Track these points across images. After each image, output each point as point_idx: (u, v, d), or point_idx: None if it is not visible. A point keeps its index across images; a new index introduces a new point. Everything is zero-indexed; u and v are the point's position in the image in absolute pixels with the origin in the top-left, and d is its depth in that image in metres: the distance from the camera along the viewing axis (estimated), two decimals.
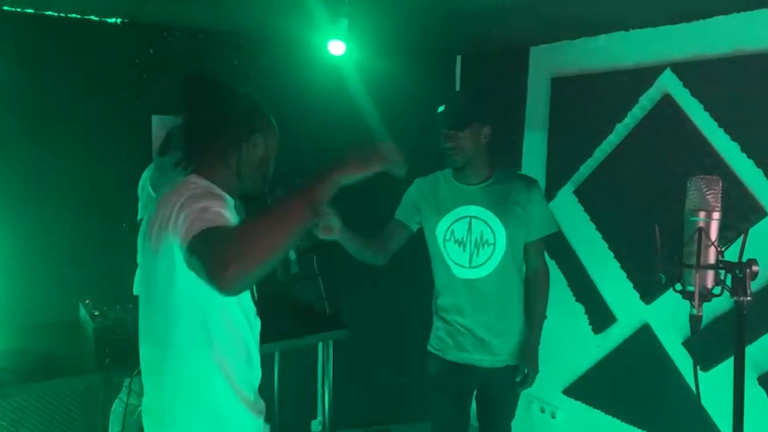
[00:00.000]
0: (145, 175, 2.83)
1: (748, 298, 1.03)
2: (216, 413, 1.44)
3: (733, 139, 2.50)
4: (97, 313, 2.38)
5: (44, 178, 2.90)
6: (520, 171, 3.51)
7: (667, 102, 2.74)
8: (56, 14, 2.84)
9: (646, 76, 2.82)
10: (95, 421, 2.52)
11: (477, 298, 2.31)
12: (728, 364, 2.43)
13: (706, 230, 1.07)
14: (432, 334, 2.48)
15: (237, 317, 1.49)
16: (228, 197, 1.47)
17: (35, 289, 2.90)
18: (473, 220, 2.30)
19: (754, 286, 2.33)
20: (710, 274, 1.06)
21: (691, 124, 2.65)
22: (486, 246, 2.28)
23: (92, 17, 2.93)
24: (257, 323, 1.61)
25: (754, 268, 1.03)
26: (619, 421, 3.03)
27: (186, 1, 2.58)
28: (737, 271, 1.04)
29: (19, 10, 2.75)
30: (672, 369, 2.77)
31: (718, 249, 1.06)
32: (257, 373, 1.57)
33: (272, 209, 1.21)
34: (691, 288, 1.08)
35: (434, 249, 2.40)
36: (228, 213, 1.32)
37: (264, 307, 2.81)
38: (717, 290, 1.08)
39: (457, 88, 4.07)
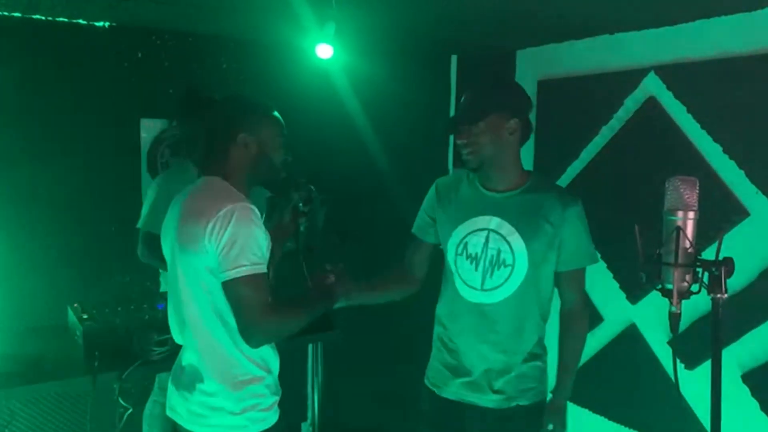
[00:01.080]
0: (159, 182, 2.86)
1: (725, 295, 1.06)
2: (231, 373, 1.71)
3: (716, 140, 2.54)
4: (86, 317, 2.38)
5: (32, 182, 2.89)
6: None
7: (651, 104, 2.78)
8: (44, 18, 2.84)
9: (630, 78, 2.86)
10: (84, 424, 2.52)
11: (485, 327, 1.93)
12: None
13: (683, 229, 1.09)
14: (430, 364, 2.09)
15: None
16: (249, 200, 1.69)
17: (24, 292, 2.90)
18: (491, 235, 1.90)
19: (739, 284, 2.41)
20: (688, 272, 1.09)
21: (675, 126, 2.68)
22: (503, 267, 1.89)
23: (80, 21, 2.93)
24: None
25: (730, 265, 1.05)
26: (606, 419, 3.06)
27: (174, 4, 2.59)
28: (713, 269, 1.06)
29: (6, 14, 2.75)
30: (658, 368, 2.80)
31: (696, 247, 1.09)
32: (267, 351, 1.78)
33: (304, 312, 1.74)
34: (669, 286, 1.10)
35: (446, 263, 2.03)
36: (260, 232, 1.64)
37: None
38: (695, 288, 1.10)
39: (453, 89, 4.08)
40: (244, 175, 1.74)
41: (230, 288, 1.59)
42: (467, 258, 1.93)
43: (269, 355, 1.78)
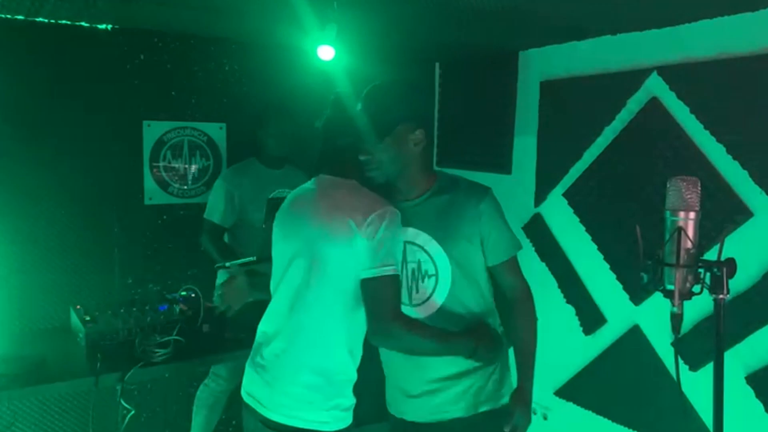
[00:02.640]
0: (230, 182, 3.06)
1: (726, 296, 1.05)
2: (333, 370, 1.76)
3: (719, 141, 2.53)
4: (88, 319, 2.39)
5: (35, 184, 2.91)
6: (510, 174, 3.53)
7: (654, 105, 2.77)
8: (46, 21, 2.85)
9: (633, 79, 2.85)
10: (86, 425, 2.52)
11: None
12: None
13: (685, 229, 1.09)
14: (387, 391, 2.00)
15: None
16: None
17: (27, 295, 2.91)
18: (408, 247, 1.79)
19: (743, 285, 2.39)
20: (689, 272, 1.08)
21: (678, 126, 2.67)
22: (426, 278, 1.79)
23: (82, 23, 2.94)
24: None
25: (731, 266, 1.05)
26: (610, 421, 3.04)
27: (177, 7, 2.60)
28: (715, 270, 1.06)
29: (9, 16, 2.76)
30: (662, 369, 2.79)
31: (697, 248, 1.08)
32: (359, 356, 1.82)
33: (436, 338, 1.76)
34: (671, 286, 1.10)
35: None
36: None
37: (254, 313, 2.82)
38: (697, 288, 1.10)
39: (437, 94, 4.10)
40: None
41: (372, 284, 1.66)
42: None
43: (359, 360, 1.82)
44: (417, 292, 1.80)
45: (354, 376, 1.79)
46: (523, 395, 1.79)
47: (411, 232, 1.77)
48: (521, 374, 1.83)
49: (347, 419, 1.78)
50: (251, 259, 2.77)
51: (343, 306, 1.72)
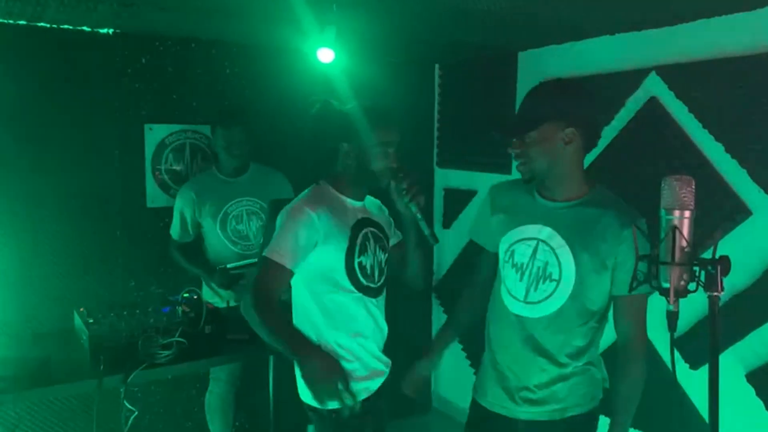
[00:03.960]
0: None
1: (721, 293, 1.06)
2: None
3: (718, 140, 2.54)
4: (91, 321, 2.40)
5: (38, 188, 2.93)
6: (510, 174, 3.54)
7: (653, 105, 2.78)
8: (48, 25, 2.87)
9: (632, 79, 2.86)
10: (90, 427, 2.53)
11: (522, 340, 1.82)
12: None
13: (680, 228, 1.10)
14: (479, 371, 2.01)
15: None
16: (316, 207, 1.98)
17: (30, 298, 2.93)
18: (540, 245, 1.77)
19: (742, 283, 2.40)
20: (685, 270, 1.09)
21: (677, 125, 2.68)
22: (548, 281, 1.76)
23: (84, 28, 2.96)
24: None
25: (726, 264, 1.06)
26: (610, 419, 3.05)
27: (177, 11, 2.62)
28: (710, 268, 1.07)
29: (11, 21, 2.78)
30: (662, 367, 2.79)
31: (693, 246, 1.10)
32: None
33: (281, 336, 1.95)
34: (666, 284, 1.11)
35: (498, 269, 1.93)
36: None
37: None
38: (692, 286, 1.11)
39: (437, 96, 4.15)
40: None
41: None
42: (513, 267, 1.82)
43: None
44: (535, 290, 1.77)
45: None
46: None
47: (547, 232, 1.76)
48: (615, 427, 1.78)
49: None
50: (253, 261, 2.79)
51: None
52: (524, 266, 1.79)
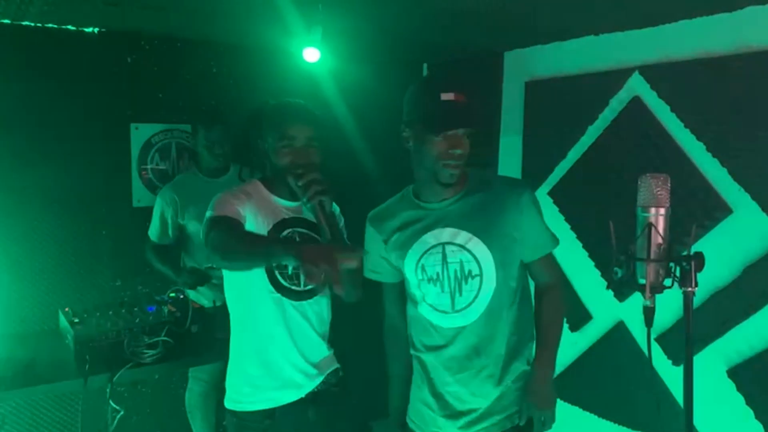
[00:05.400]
0: None
1: (695, 288, 1.09)
2: None
3: (699, 139, 2.57)
4: (76, 321, 2.40)
5: (22, 188, 2.91)
6: (497, 173, 3.57)
7: (636, 104, 2.81)
8: (33, 24, 2.85)
9: (615, 79, 2.89)
10: (76, 427, 2.53)
11: (468, 352, 1.77)
12: (698, 358, 2.50)
13: (655, 225, 1.12)
14: (411, 405, 1.94)
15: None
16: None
17: (14, 297, 2.91)
18: (447, 248, 1.74)
19: (723, 281, 2.44)
20: (660, 267, 1.11)
21: (659, 125, 2.72)
22: (470, 279, 1.72)
23: (69, 27, 2.95)
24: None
25: (700, 260, 1.08)
26: (596, 416, 3.08)
27: (163, 10, 2.61)
28: (684, 264, 1.09)
29: None
30: (646, 365, 2.83)
31: (668, 243, 1.12)
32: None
33: (261, 247, 1.65)
34: (642, 281, 1.13)
35: (409, 294, 1.88)
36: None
37: None
38: (668, 282, 1.13)
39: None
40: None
41: None
42: (429, 281, 1.76)
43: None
44: (461, 295, 1.72)
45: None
46: (542, 386, 1.79)
47: (448, 233, 1.72)
48: (539, 364, 1.80)
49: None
50: None
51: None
52: (440, 275, 1.74)
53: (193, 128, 3.08)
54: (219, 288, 2.98)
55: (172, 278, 2.98)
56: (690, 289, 1.08)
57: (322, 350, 2.04)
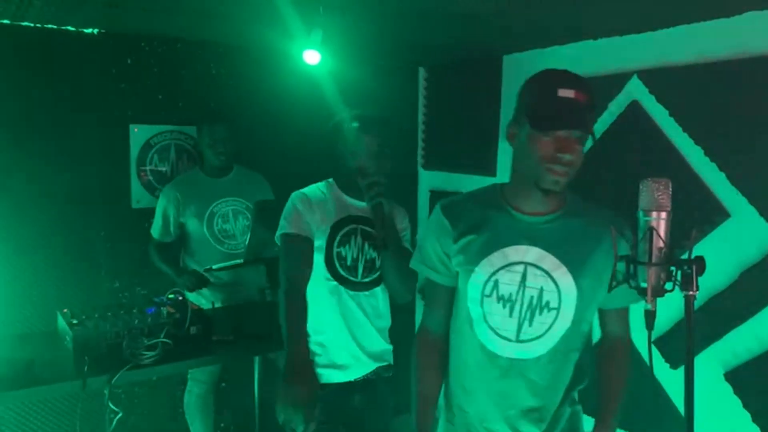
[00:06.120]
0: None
1: (696, 292, 1.09)
2: None
3: (697, 143, 2.58)
4: (75, 322, 2.39)
5: (22, 189, 2.91)
6: (495, 176, 3.58)
7: (634, 108, 2.83)
8: (33, 25, 2.85)
9: (614, 83, 2.90)
10: (74, 428, 2.53)
11: (517, 389, 1.56)
12: (695, 360, 2.51)
13: (656, 229, 1.13)
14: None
15: None
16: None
17: (13, 299, 2.91)
18: (529, 270, 1.51)
19: (721, 284, 2.45)
20: (662, 270, 1.12)
21: (658, 129, 2.73)
22: (545, 311, 1.51)
23: (69, 28, 2.95)
24: None
25: (701, 264, 1.09)
26: (593, 420, 3.08)
27: (163, 11, 2.62)
28: (686, 267, 1.10)
29: None
30: (643, 367, 2.83)
31: (669, 246, 1.12)
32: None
33: (286, 328, 2.04)
34: (644, 284, 1.13)
35: (462, 308, 1.61)
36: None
37: (243, 314, 2.85)
38: (669, 286, 1.14)
39: (422, 98, 4.17)
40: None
41: None
42: (498, 300, 1.53)
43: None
44: (530, 325, 1.51)
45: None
46: None
47: (535, 253, 1.50)
48: (606, 422, 1.67)
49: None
50: (238, 261, 2.79)
51: None
52: (513, 297, 1.51)
53: (198, 127, 3.11)
54: (219, 290, 2.99)
55: (173, 279, 2.99)
56: (691, 292, 1.09)
57: (376, 341, 2.23)
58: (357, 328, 2.17)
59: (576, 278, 1.49)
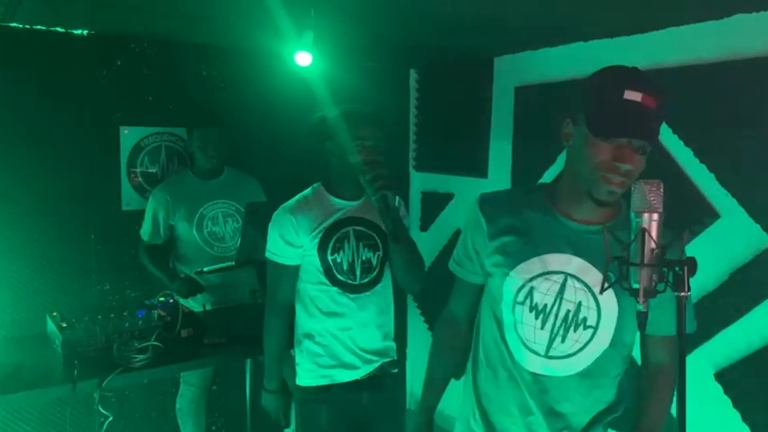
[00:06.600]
0: None
1: (688, 293, 1.10)
2: None
3: (687, 144, 2.60)
4: (65, 325, 2.37)
5: (11, 190, 2.88)
6: (486, 178, 3.59)
7: None
8: (21, 26, 2.83)
9: None
10: None
11: (542, 408, 1.44)
12: (687, 361, 2.52)
13: (648, 230, 1.13)
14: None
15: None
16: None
17: (2, 302, 2.88)
18: (569, 281, 1.39)
19: (711, 285, 2.46)
20: (653, 271, 1.12)
21: None
22: (581, 329, 1.39)
23: (58, 29, 2.93)
24: None
25: (692, 264, 1.09)
26: None
27: (153, 13, 2.60)
28: (677, 268, 1.10)
29: None
30: (634, 366, 2.85)
31: (661, 248, 1.13)
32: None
33: (266, 351, 2.23)
34: (636, 285, 1.14)
35: (490, 312, 1.51)
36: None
37: (234, 317, 2.83)
38: (661, 287, 1.14)
39: (413, 100, 4.18)
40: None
41: None
42: (531, 309, 1.40)
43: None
44: (563, 341, 1.38)
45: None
46: None
47: (577, 264, 1.37)
48: None
49: None
50: (229, 264, 2.78)
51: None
52: (547, 309, 1.39)
53: (189, 129, 3.08)
54: (209, 292, 2.98)
55: (165, 284, 2.98)
56: (683, 293, 1.09)
57: (380, 339, 2.25)
58: (361, 327, 2.19)
59: (619, 297, 1.36)
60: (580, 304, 1.38)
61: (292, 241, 2.09)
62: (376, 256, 2.19)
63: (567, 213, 1.42)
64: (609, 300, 1.37)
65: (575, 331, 1.38)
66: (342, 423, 2.19)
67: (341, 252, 2.12)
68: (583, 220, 1.41)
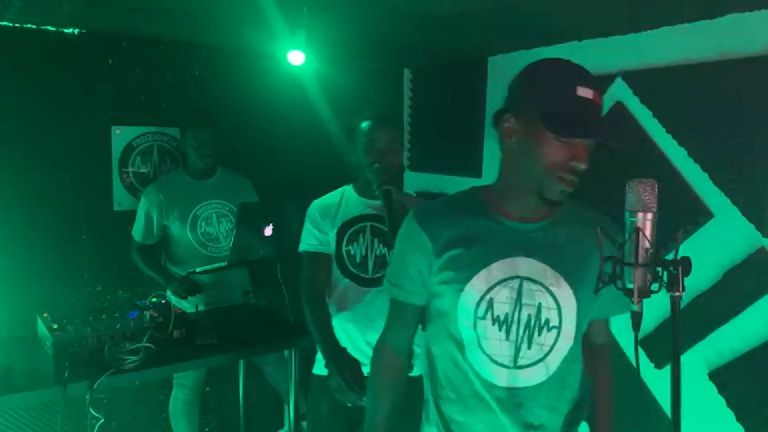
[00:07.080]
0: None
1: (682, 293, 1.09)
2: None
3: (681, 144, 2.60)
4: (55, 327, 2.35)
5: (1, 191, 2.86)
6: (481, 177, 3.58)
7: (618, 109, 2.84)
8: (11, 25, 2.81)
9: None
10: None
11: (516, 423, 1.36)
12: (681, 360, 2.53)
13: (642, 230, 1.12)
14: None
15: None
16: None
17: None
18: (525, 285, 1.33)
19: (704, 284, 2.46)
20: (648, 271, 1.12)
21: (642, 130, 2.74)
22: (545, 330, 1.34)
23: (49, 28, 2.90)
24: None
25: (686, 264, 1.09)
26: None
27: (145, 11, 2.59)
28: (671, 268, 1.09)
29: None
30: (630, 368, 2.85)
31: (655, 247, 1.12)
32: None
33: (315, 329, 2.09)
34: (630, 285, 1.13)
35: (451, 330, 1.39)
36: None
37: (227, 318, 2.82)
38: (655, 287, 1.13)
39: (407, 99, 4.16)
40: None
41: None
42: (494, 322, 1.33)
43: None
44: (529, 348, 1.33)
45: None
46: None
47: (529, 265, 1.33)
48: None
49: None
50: (221, 264, 2.77)
51: None
52: (509, 318, 1.33)
53: (183, 128, 3.06)
54: (202, 293, 2.96)
55: (161, 284, 2.95)
56: (677, 293, 1.09)
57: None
58: (368, 322, 2.17)
59: (576, 290, 1.33)
60: (540, 305, 1.33)
61: (321, 228, 2.20)
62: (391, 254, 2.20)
63: (508, 213, 1.36)
64: (567, 295, 1.33)
65: (539, 334, 1.33)
66: (343, 415, 2.18)
67: (355, 244, 2.18)
68: (526, 218, 1.36)
